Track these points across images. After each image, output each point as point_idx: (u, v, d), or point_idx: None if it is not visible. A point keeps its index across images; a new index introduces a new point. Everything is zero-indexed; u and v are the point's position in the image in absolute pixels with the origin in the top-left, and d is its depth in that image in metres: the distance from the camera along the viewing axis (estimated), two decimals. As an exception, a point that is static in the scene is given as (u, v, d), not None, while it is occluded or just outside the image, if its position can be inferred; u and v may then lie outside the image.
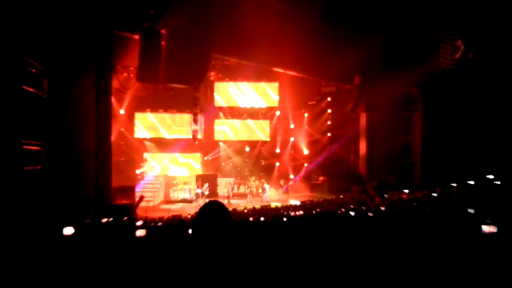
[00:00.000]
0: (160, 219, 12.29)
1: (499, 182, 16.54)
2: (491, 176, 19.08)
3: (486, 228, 3.57)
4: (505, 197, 12.07)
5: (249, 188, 22.76)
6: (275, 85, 24.31)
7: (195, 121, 21.20)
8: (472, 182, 18.14)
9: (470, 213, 8.43)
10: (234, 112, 25.10)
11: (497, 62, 20.49)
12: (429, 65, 22.34)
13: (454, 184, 18.20)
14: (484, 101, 22.29)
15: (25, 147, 10.14)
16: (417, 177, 23.69)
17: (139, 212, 16.17)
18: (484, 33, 21.22)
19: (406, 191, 18.56)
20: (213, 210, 2.16)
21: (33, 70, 10.68)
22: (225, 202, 20.65)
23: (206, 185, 21.72)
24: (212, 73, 23.27)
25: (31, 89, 10.51)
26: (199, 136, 22.73)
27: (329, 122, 25.59)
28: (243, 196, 22.44)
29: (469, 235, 3.53)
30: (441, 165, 21.56)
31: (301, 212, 13.94)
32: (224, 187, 22.55)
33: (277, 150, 26.43)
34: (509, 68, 20.36)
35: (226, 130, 24.99)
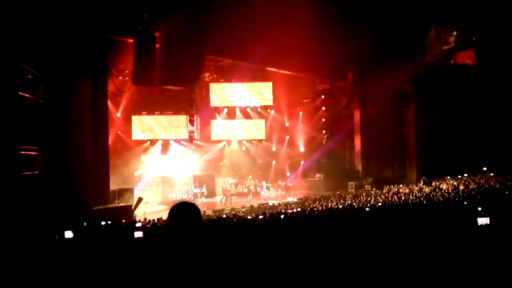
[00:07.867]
0: (159, 220, 12.38)
1: (492, 174, 16.82)
2: (485, 168, 19.40)
3: (481, 220, 3.62)
4: (499, 189, 12.30)
5: (247, 187, 22.84)
6: (269, 84, 24.39)
7: (191, 122, 21.28)
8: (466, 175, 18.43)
9: (465, 205, 8.62)
10: (229, 112, 25.18)
11: (492, 56, 20.71)
12: (421, 59, 22.55)
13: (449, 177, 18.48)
14: (478, 94, 22.55)
15: (23, 152, 10.17)
16: (412, 171, 23.94)
17: (138, 214, 16.23)
18: (481, 28, 21.44)
19: (402, 185, 18.79)
20: (182, 211, 2.13)
21: (29, 76, 10.71)
22: (223, 201, 20.78)
23: (204, 186, 21.77)
24: (207, 74, 23.34)
25: (27, 95, 10.54)
26: (196, 136, 22.79)
27: (323, 120, 25.70)
28: (242, 195, 22.53)
29: (465, 228, 3.59)
30: (436, 158, 21.82)
31: (299, 209, 14.11)
32: (223, 187, 22.66)
33: (273, 149, 26.55)
34: (504, 63, 20.61)
35: (222, 130, 25.06)
